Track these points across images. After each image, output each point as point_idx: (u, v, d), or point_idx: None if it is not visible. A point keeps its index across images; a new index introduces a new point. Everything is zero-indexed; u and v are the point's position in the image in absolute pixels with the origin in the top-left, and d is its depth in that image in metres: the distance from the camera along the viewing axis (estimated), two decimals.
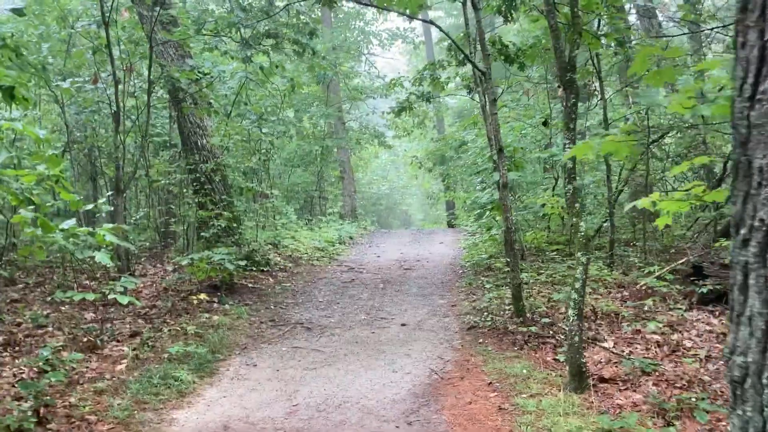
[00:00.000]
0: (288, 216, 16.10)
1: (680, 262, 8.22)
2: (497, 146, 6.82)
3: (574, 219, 5.42)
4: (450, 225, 26.04)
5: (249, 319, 8.14)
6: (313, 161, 19.96)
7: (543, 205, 11.68)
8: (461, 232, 20.28)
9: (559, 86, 5.57)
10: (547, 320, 6.75)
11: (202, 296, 8.27)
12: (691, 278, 7.21)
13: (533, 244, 11.35)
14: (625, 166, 12.44)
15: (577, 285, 5.30)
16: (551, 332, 6.58)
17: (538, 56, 10.48)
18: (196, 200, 10.75)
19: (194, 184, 11.03)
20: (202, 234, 10.38)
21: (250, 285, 9.70)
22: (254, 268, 10.58)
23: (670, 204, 3.27)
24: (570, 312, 5.29)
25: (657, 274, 7.75)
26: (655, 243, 9.43)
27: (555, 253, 10.19)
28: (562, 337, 6.46)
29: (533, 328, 6.53)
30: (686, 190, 3.27)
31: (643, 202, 3.20)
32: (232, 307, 8.44)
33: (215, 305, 8.52)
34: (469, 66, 12.48)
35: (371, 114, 23.23)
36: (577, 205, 5.42)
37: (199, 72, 10.92)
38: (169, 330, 7.37)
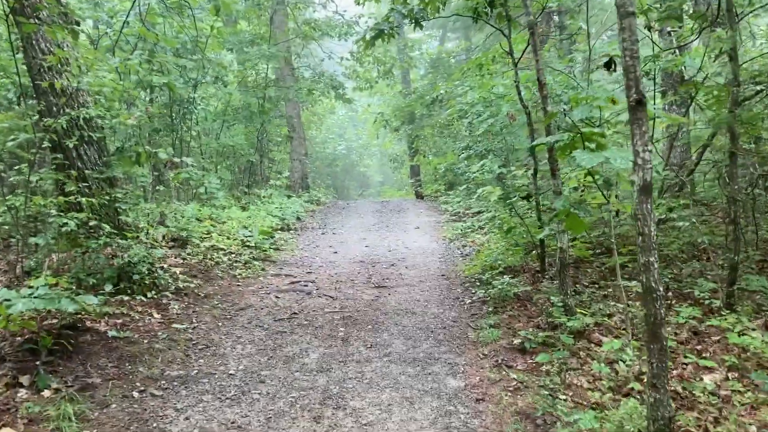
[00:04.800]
0: (212, 191, 11.81)
1: None
2: (637, 92, 2.78)
3: None
4: (418, 195, 22.06)
5: None
6: (253, 116, 15.53)
7: (576, 189, 7.78)
8: (436, 209, 16.36)
9: None
10: None
11: None
12: None
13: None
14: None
15: None
16: None
17: None
18: (32, 178, 6.47)
19: (40, 150, 6.71)
20: (32, 238, 6.18)
21: (112, 333, 5.52)
22: (130, 295, 6.41)
23: None
24: None
25: None
26: None
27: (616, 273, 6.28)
28: None
29: None
30: None
31: None
32: (55, 400, 4.31)
33: (21, 393, 4.38)
34: None
35: (328, 59, 18.79)
36: None
37: None
38: None
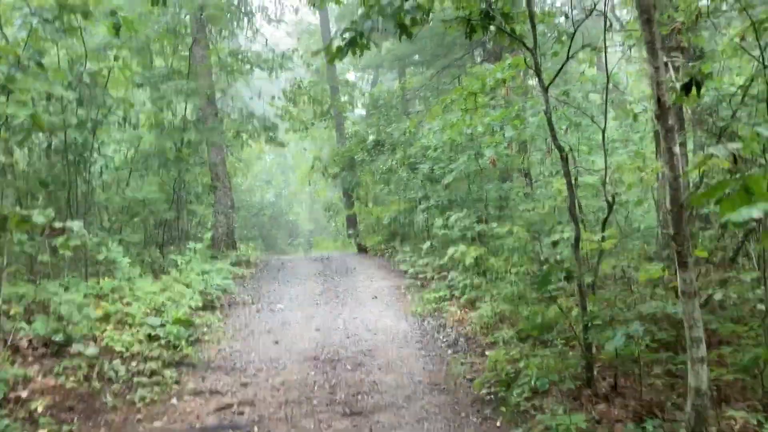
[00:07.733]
0: (113, 259, 9.15)
1: None
2: None
3: None
4: (361, 248, 19.77)
5: None
6: (168, 164, 12.95)
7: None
8: (387, 267, 14.15)
9: None
10: None
11: None
12: None
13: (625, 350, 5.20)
14: None
15: None
16: None
17: None
18: None
19: None
20: None
21: None
22: None
23: None
24: None
25: None
26: None
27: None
28: None
29: None
30: None
31: None
32: None
33: None
34: None
35: (258, 98, 16.48)
36: None
37: None
38: None
